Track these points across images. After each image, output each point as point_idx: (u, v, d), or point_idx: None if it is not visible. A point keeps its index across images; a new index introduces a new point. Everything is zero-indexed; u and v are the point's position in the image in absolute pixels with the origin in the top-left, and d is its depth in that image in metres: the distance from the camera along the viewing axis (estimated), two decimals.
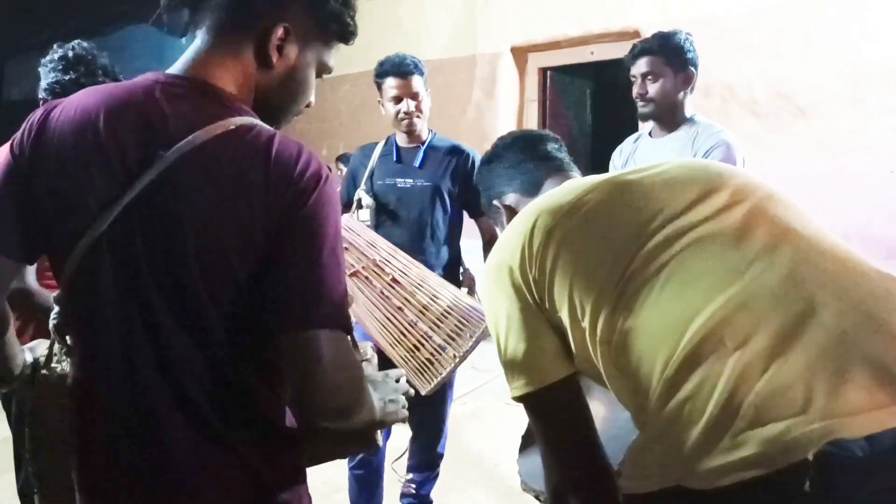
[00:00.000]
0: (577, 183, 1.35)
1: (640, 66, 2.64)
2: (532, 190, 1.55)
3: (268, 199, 1.06)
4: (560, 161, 1.62)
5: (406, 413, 1.34)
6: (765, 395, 0.98)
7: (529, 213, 1.32)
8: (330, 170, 1.14)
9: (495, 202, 1.62)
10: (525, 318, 1.26)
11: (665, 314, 1.11)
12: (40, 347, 1.49)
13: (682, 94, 2.63)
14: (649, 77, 2.62)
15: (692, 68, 2.62)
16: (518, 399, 1.30)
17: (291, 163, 1.08)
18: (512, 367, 1.29)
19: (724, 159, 2.44)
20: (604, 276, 1.17)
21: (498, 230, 1.64)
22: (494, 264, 1.33)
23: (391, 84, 2.80)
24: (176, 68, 1.17)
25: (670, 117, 2.65)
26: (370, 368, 1.40)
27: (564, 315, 1.21)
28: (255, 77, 1.18)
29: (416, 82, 2.79)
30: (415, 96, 2.79)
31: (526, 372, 1.27)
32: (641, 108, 2.66)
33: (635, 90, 2.66)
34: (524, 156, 1.59)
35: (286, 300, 1.07)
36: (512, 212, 1.55)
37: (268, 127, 1.13)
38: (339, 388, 1.08)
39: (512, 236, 1.31)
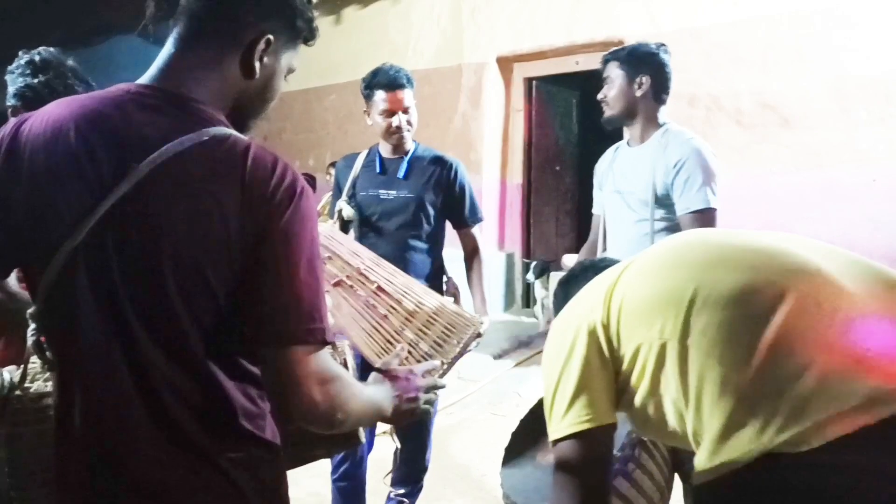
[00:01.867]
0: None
1: (604, 72, 2.69)
2: None
3: (243, 212, 1.05)
4: None
5: (429, 410, 1.36)
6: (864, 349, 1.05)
7: (609, 273, 1.42)
8: (313, 178, 1.13)
9: None
10: (591, 368, 1.34)
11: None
12: (6, 374, 1.47)
13: (641, 100, 2.63)
14: (606, 81, 2.66)
15: (648, 76, 2.62)
16: (567, 437, 1.34)
17: (267, 175, 1.07)
18: (571, 405, 1.34)
19: (693, 169, 2.45)
20: (676, 292, 1.25)
21: None
22: (572, 322, 1.40)
23: (382, 97, 2.77)
24: (147, 78, 1.14)
25: (634, 123, 2.67)
26: (349, 368, 1.40)
27: (637, 339, 1.28)
28: (237, 87, 1.17)
29: (408, 96, 2.77)
30: (406, 110, 2.77)
31: (586, 411, 1.33)
32: (603, 112, 2.71)
33: (599, 95, 2.71)
34: (598, 274, 1.67)
35: (264, 316, 1.06)
36: None
37: (242, 137, 1.12)
38: (319, 402, 1.08)
39: (594, 291, 1.40)
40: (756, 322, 1.14)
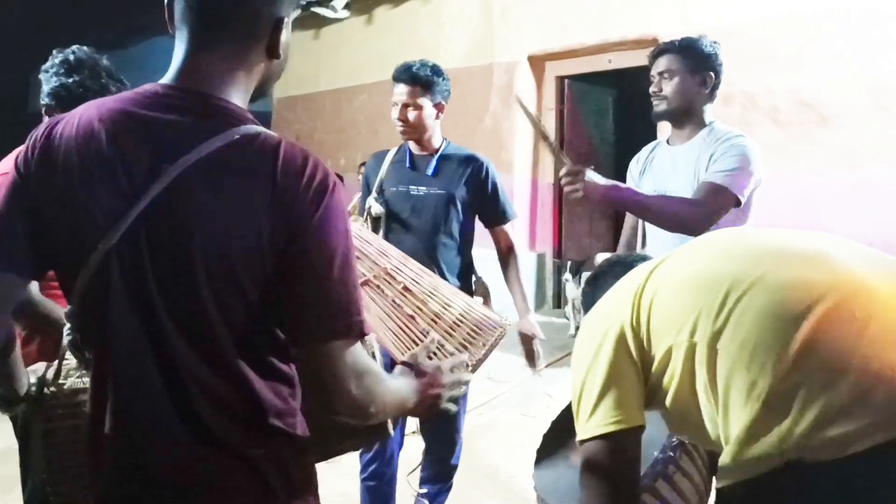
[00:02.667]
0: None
1: (658, 65, 2.59)
2: None
3: (275, 210, 1.05)
4: None
5: (452, 407, 1.36)
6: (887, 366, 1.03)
7: (638, 272, 1.42)
8: (341, 178, 1.13)
9: None
10: (621, 368, 1.33)
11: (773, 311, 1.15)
12: (41, 369, 1.49)
13: (698, 96, 2.58)
14: (665, 75, 2.58)
15: (712, 73, 2.58)
16: (596, 438, 1.33)
17: (298, 173, 1.07)
18: (601, 406, 1.33)
19: (731, 155, 2.40)
20: (704, 294, 1.24)
21: None
22: (600, 322, 1.40)
23: (394, 89, 2.79)
24: (171, 79, 1.14)
25: (685, 120, 2.60)
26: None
27: (667, 341, 1.27)
28: (260, 73, 1.18)
29: (406, 92, 2.75)
30: (409, 104, 2.76)
31: (613, 412, 1.32)
32: (655, 106, 2.62)
33: (652, 88, 2.62)
34: (627, 270, 1.66)
35: (301, 314, 1.08)
36: None
37: (272, 134, 1.12)
38: (357, 396, 1.10)
39: (623, 291, 1.40)
40: (786, 328, 1.12)
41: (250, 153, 1.07)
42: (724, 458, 1.14)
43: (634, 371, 1.32)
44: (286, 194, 1.06)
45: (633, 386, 1.32)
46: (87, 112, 1.13)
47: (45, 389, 1.45)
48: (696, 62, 2.55)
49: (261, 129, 1.12)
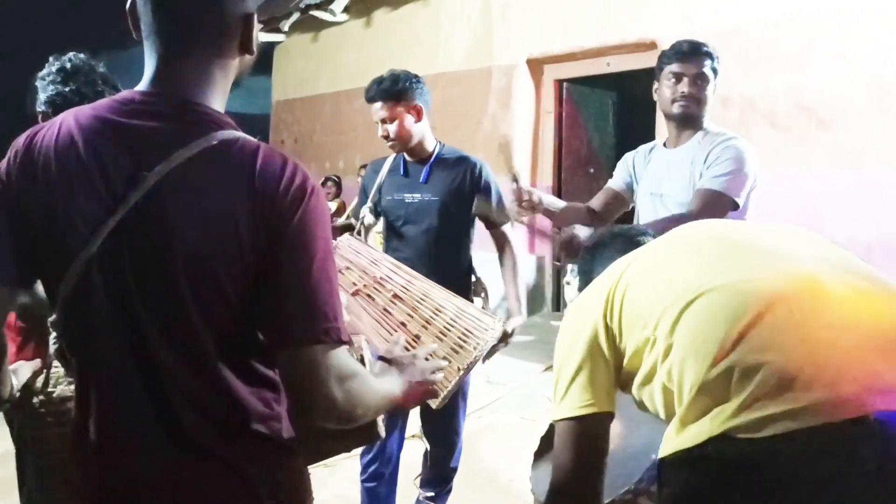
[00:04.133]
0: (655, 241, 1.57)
1: (691, 67, 2.53)
2: None
3: (255, 214, 1.05)
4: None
5: (436, 392, 1.42)
6: (823, 358, 1.09)
7: (614, 269, 1.47)
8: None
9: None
10: (595, 356, 1.40)
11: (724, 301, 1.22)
12: (22, 371, 1.48)
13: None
14: (699, 80, 2.52)
15: (716, 79, 2.59)
16: (567, 419, 1.41)
17: (277, 176, 1.07)
18: (571, 391, 1.41)
19: (726, 158, 2.39)
20: (668, 291, 1.31)
21: None
22: (578, 315, 1.47)
23: (371, 109, 2.82)
24: (148, 84, 1.14)
25: (696, 124, 2.59)
26: (365, 363, 1.41)
27: (636, 336, 1.34)
28: (236, 71, 1.19)
29: (385, 107, 2.76)
30: (385, 120, 2.77)
31: (583, 397, 1.39)
32: (683, 107, 2.55)
33: (682, 88, 2.54)
34: (629, 244, 1.71)
35: (280, 317, 1.07)
36: None
37: (250, 138, 1.12)
38: (338, 399, 1.09)
39: (600, 287, 1.46)
40: (729, 322, 1.19)
41: (229, 158, 1.08)
42: (668, 431, 1.22)
43: (604, 363, 1.39)
44: (265, 198, 1.06)
45: (604, 376, 1.40)
46: (66, 120, 1.13)
47: (34, 398, 1.45)
48: (716, 68, 2.55)
49: (239, 133, 1.12)
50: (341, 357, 1.10)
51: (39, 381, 1.47)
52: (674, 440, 1.19)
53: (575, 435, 1.41)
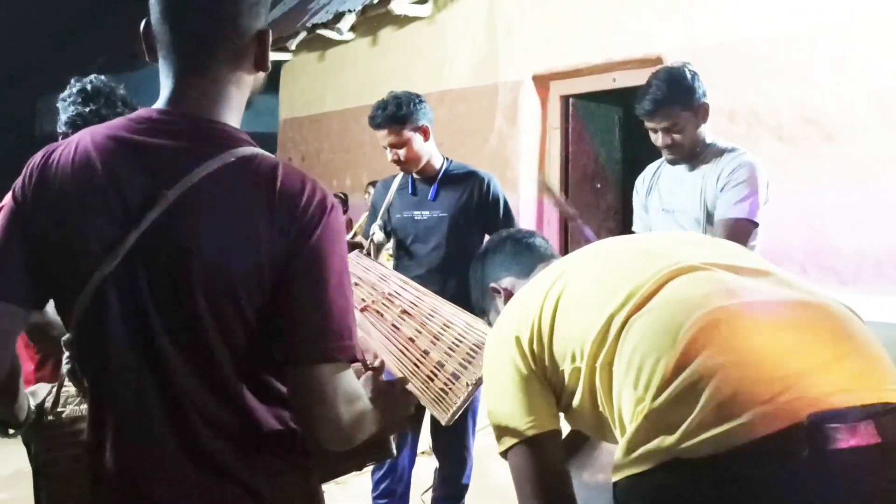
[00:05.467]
0: (565, 260, 1.60)
1: (660, 121, 2.55)
2: (527, 272, 1.74)
3: (273, 232, 1.05)
4: (548, 249, 1.85)
5: (409, 412, 1.38)
6: (754, 378, 1.13)
7: (533, 288, 1.49)
8: (346, 197, 1.14)
9: (493, 285, 1.81)
10: (528, 380, 1.40)
11: (657, 326, 1.25)
12: (41, 391, 1.48)
13: (702, 127, 2.59)
14: (672, 130, 2.55)
15: (704, 101, 2.58)
16: (511, 448, 1.40)
17: (296, 194, 1.08)
18: (510, 420, 1.41)
19: (740, 179, 2.40)
20: (595, 316, 1.32)
21: (492, 315, 1.83)
22: (501, 337, 1.47)
23: (377, 135, 2.83)
24: (164, 102, 1.15)
25: (692, 157, 2.61)
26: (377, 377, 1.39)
27: (567, 364, 1.35)
28: (251, 87, 1.20)
29: (392, 132, 2.77)
30: (395, 145, 2.78)
31: (525, 421, 1.39)
32: (669, 155, 2.59)
33: (660, 140, 2.58)
34: (518, 247, 1.81)
35: (294, 334, 1.07)
36: (508, 294, 1.75)
37: (269, 155, 1.13)
38: (343, 420, 1.08)
39: (518, 308, 1.47)
40: (664, 347, 1.20)
41: (248, 175, 1.08)
42: (617, 456, 1.23)
43: (541, 382, 1.40)
44: (284, 215, 1.06)
45: (543, 394, 1.40)
46: (83, 139, 1.13)
47: (44, 418, 1.45)
48: (690, 100, 2.54)
49: (257, 150, 1.12)
50: (350, 378, 1.10)
51: (49, 401, 1.47)
52: (625, 467, 1.20)
53: (529, 457, 1.39)
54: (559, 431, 1.43)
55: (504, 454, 1.43)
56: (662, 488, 1.16)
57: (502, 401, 1.42)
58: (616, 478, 1.22)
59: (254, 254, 1.05)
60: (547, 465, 1.39)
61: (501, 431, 1.42)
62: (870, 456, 1.07)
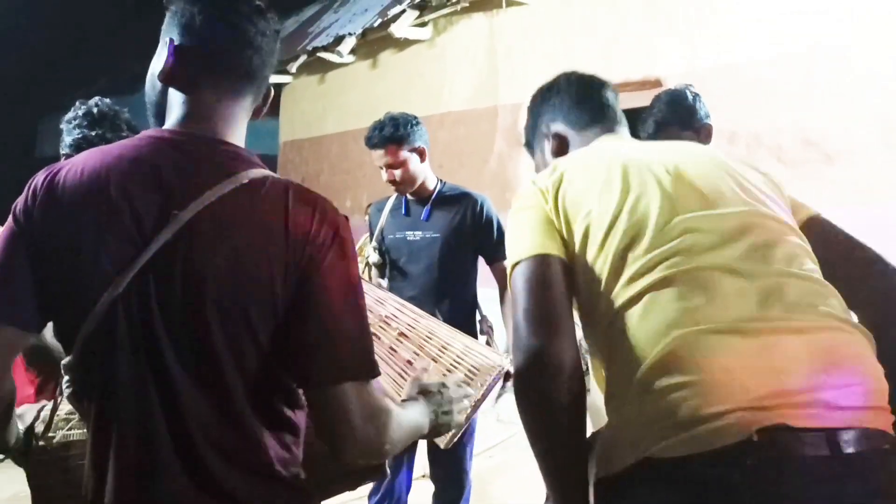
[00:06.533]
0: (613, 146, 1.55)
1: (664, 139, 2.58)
2: (583, 127, 1.66)
3: (286, 252, 1.05)
4: (613, 112, 1.71)
5: (461, 421, 1.40)
6: (720, 386, 1.11)
7: (589, 169, 1.45)
8: (346, 218, 1.14)
9: (544, 128, 1.72)
10: (550, 223, 1.38)
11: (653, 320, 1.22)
12: (28, 415, 1.46)
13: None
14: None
15: (707, 121, 2.59)
16: (519, 263, 1.35)
17: (309, 214, 1.08)
18: (523, 243, 1.36)
19: None
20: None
21: (536, 156, 1.76)
22: (539, 189, 1.45)
23: (372, 154, 2.84)
24: (177, 123, 1.14)
25: None
26: (431, 377, 1.45)
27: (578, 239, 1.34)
28: (250, 113, 1.23)
29: (388, 152, 2.78)
30: (391, 165, 2.79)
31: (538, 243, 1.35)
32: None
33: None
34: (584, 95, 1.69)
35: (313, 355, 1.06)
36: (559, 140, 1.68)
37: (279, 177, 1.12)
38: (368, 436, 1.09)
39: (569, 185, 1.43)
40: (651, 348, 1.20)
41: (260, 196, 1.07)
42: (596, 462, 1.25)
43: (559, 237, 1.37)
44: (297, 236, 1.06)
45: (559, 240, 1.36)
46: (91, 159, 1.11)
47: (35, 442, 1.43)
48: (691, 121, 2.58)
49: (268, 172, 1.12)
50: (373, 392, 1.09)
51: (39, 426, 1.45)
52: (602, 465, 1.23)
53: (534, 272, 1.32)
54: (570, 266, 1.35)
55: (511, 272, 1.37)
56: (635, 492, 1.17)
57: (521, 233, 1.38)
58: (592, 479, 1.25)
59: (267, 275, 1.05)
60: (550, 280, 1.32)
61: (513, 255, 1.37)
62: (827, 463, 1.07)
